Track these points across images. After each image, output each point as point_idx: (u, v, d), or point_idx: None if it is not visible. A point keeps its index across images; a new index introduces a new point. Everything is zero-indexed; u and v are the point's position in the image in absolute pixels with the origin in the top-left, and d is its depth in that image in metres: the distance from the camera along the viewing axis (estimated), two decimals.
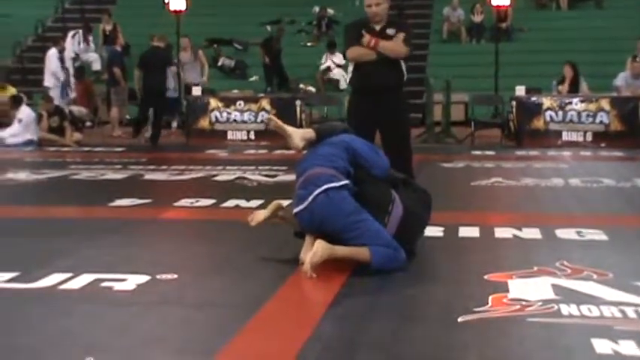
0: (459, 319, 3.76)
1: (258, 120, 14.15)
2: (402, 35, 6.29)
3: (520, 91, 13.73)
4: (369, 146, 5.21)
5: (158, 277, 4.58)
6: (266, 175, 9.30)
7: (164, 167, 10.28)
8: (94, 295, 4.28)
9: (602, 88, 14.42)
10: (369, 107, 6.29)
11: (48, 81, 15.66)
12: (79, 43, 17.94)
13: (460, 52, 18.95)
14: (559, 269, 4.68)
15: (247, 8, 21.17)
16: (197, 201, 7.43)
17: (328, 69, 17.82)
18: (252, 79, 18.38)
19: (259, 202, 7.07)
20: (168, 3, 16.35)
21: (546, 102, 13.38)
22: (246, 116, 14.26)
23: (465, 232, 5.88)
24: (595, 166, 10.55)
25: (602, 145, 12.90)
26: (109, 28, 18.15)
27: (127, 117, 16.47)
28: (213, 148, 13.02)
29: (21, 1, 22.00)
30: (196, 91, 14.80)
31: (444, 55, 18.64)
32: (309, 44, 19.85)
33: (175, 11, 16.06)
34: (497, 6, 16.46)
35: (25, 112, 13.86)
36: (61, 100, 15.13)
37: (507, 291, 4.23)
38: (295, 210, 4.87)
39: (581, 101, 13.27)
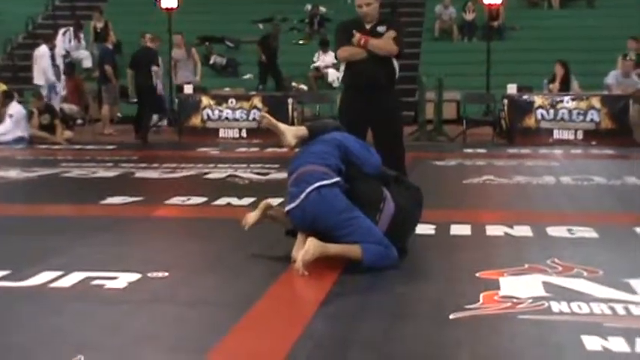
0: (451, 317, 3.76)
1: (250, 118, 14.15)
2: (392, 33, 6.28)
3: (512, 89, 13.77)
4: (361, 144, 5.22)
5: (149, 275, 4.57)
6: (258, 173, 9.29)
7: (155, 165, 10.27)
8: (84, 293, 4.27)
9: (593, 86, 14.46)
10: (361, 105, 6.29)
11: (38, 79, 15.59)
12: (69, 41, 17.89)
13: (452, 51, 18.97)
14: (550, 267, 4.69)
15: (239, 6, 21.14)
16: (188, 199, 7.42)
17: (317, 69, 17.81)
18: (246, 77, 18.36)
19: (251, 199, 7.07)
20: (159, 0, 16.33)
21: (538, 100, 13.42)
22: (237, 114, 14.26)
23: (457, 229, 5.89)
24: (586, 164, 10.59)
25: (593, 143, 12.95)
26: (100, 25, 18.11)
27: (119, 115, 16.44)
28: (205, 146, 13.00)
29: None
30: (188, 89, 14.79)
31: (436, 54, 18.66)
32: (301, 42, 19.83)
33: (167, 9, 16.04)
34: (489, 4, 16.48)
35: (15, 108, 13.82)
36: (52, 98, 15.07)
37: (498, 288, 4.24)
38: (287, 208, 4.87)
39: (572, 99, 13.31)
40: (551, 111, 13.29)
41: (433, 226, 5.85)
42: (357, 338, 3.52)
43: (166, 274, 4.61)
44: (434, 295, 4.21)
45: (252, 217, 5.28)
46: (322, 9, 20.28)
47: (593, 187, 8.34)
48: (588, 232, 5.74)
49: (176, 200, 7.39)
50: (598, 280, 4.38)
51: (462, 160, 10.79)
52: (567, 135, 13.25)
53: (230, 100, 14.38)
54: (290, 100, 14.08)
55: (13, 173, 9.70)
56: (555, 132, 13.30)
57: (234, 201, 7.26)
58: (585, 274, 4.52)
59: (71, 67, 16.96)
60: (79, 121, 15.93)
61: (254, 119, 14.01)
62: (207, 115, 14.34)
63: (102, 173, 9.58)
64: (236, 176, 9.14)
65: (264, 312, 3.97)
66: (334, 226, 4.69)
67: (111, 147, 13.03)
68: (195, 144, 13.28)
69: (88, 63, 18.19)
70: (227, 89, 15.81)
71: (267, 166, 9.89)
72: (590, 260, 4.84)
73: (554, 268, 4.67)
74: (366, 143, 5.49)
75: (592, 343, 3.39)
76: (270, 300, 4.18)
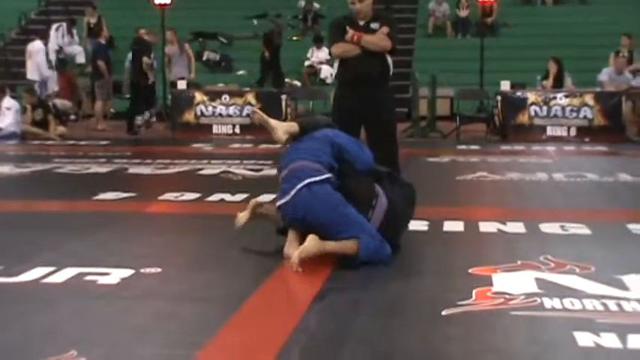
0: (443, 313, 3.77)
1: (244, 114, 14.14)
2: (385, 29, 6.28)
3: (505, 85, 13.77)
4: (353, 141, 5.22)
5: (142, 270, 4.57)
6: (251, 169, 9.29)
7: (149, 161, 10.25)
8: (77, 289, 4.27)
9: (586, 83, 14.48)
10: (355, 101, 6.28)
11: (32, 74, 15.54)
12: (62, 36, 17.84)
13: (446, 47, 18.97)
14: (542, 263, 4.70)
15: (233, 2, 21.12)
16: (182, 195, 7.41)
17: (311, 66, 17.79)
18: (240, 72, 18.33)
19: (244, 195, 7.06)
20: None
21: (531, 97, 13.43)
22: (231, 110, 14.25)
23: (450, 226, 5.89)
24: (579, 160, 10.60)
25: (586, 139, 12.96)
26: (93, 21, 18.06)
27: (112, 110, 16.40)
28: (199, 142, 12.99)
29: None
30: (181, 84, 14.76)
31: (430, 50, 18.65)
32: (294, 38, 19.80)
33: (160, 4, 16.00)
34: (483, 1, 16.49)
35: (11, 101, 13.78)
36: (43, 93, 15.03)
37: (491, 285, 4.25)
38: (279, 203, 4.88)
39: (566, 96, 13.32)
40: (545, 108, 13.30)
41: (426, 223, 5.86)
42: (349, 334, 3.53)
43: (159, 269, 4.61)
44: (427, 291, 4.22)
45: (242, 217, 5.30)
46: (316, 5, 20.24)
47: (586, 183, 8.35)
48: (581, 229, 5.75)
49: (169, 196, 7.38)
50: (590, 277, 4.39)
51: (456, 157, 10.80)
52: (560, 132, 13.26)
53: (223, 96, 14.36)
54: (283, 97, 14.07)
55: (6, 169, 9.68)
56: (548, 129, 13.30)
57: (228, 197, 7.25)
58: (578, 270, 4.54)
59: (62, 62, 16.90)
60: (72, 117, 15.90)
61: (247, 115, 14.00)
62: (201, 111, 14.32)
63: (95, 169, 9.56)
64: (229, 172, 9.13)
65: (257, 308, 3.97)
66: (327, 222, 4.69)
67: (104, 142, 13.01)
68: (189, 140, 13.27)
69: (81, 58, 18.16)
70: (221, 85, 15.78)
71: (261, 162, 9.89)
72: (583, 257, 4.85)
73: (546, 264, 4.68)
74: (358, 140, 5.49)
75: (584, 339, 3.40)
76: (263, 296, 4.18)
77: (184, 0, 18.64)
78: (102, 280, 4.40)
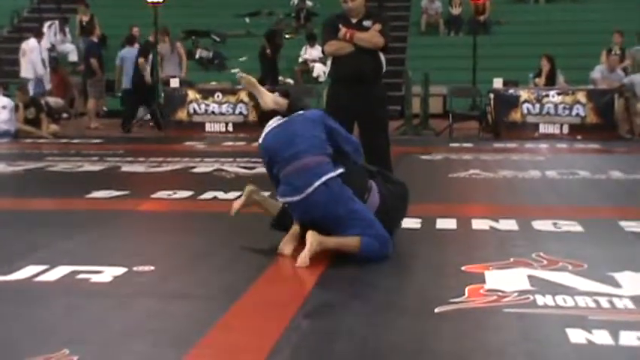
0: (436, 310, 3.78)
1: (237, 112, 14.13)
2: (377, 26, 6.29)
3: (498, 83, 13.78)
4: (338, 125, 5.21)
5: (135, 269, 4.57)
6: (244, 167, 9.27)
7: (142, 159, 10.22)
8: (70, 287, 4.26)
9: (579, 81, 14.50)
10: (348, 98, 6.29)
11: (26, 72, 15.49)
12: (54, 34, 17.79)
13: (438, 45, 18.95)
14: (535, 260, 4.71)
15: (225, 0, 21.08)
16: (175, 193, 7.41)
17: (305, 62, 17.77)
18: (234, 70, 18.30)
19: (237, 193, 7.03)
20: None
21: (523, 94, 13.45)
22: (224, 108, 14.23)
23: (443, 223, 5.90)
24: (571, 158, 10.62)
25: (579, 137, 12.98)
26: (85, 19, 18.00)
27: (105, 108, 16.37)
28: (191, 140, 12.97)
29: None
30: (174, 82, 14.74)
31: (423, 48, 18.64)
32: (287, 36, 19.77)
33: (153, 3, 15.96)
34: None
35: (4, 99, 13.73)
36: (34, 92, 14.98)
37: (484, 282, 4.25)
38: (290, 199, 4.81)
39: (558, 94, 13.34)
40: (537, 105, 13.32)
41: (419, 220, 5.86)
42: (342, 332, 3.53)
43: (152, 268, 4.61)
44: (419, 289, 4.23)
45: (237, 202, 5.30)
46: (309, 3, 20.20)
47: (579, 181, 8.36)
48: (573, 226, 5.76)
49: (162, 194, 7.37)
50: (583, 274, 4.40)
51: (448, 155, 10.80)
52: (553, 129, 13.28)
53: (216, 94, 14.34)
54: (276, 94, 14.02)
55: None
56: (541, 126, 13.33)
57: (221, 195, 7.25)
58: (570, 267, 4.55)
59: (55, 60, 16.85)
60: (65, 115, 15.85)
61: (240, 113, 13.98)
62: (194, 109, 14.30)
63: (88, 167, 9.54)
64: (222, 170, 9.13)
65: (249, 306, 3.97)
66: (337, 219, 4.69)
67: (97, 141, 12.98)
68: (182, 138, 13.25)
69: (73, 57, 18.10)
70: (213, 83, 15.74)
71: (254, 160, 9.83)
72: (575, 254, 4.86)
73: (539, 261, 4.69)
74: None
75: (576, 335, 3.41)
76: (256, 294, 4.18)
77: None
78: (94, 278, 4.40)
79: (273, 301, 4.11)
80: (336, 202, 4.70)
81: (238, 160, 9.99)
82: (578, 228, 5.72)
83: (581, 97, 13.22)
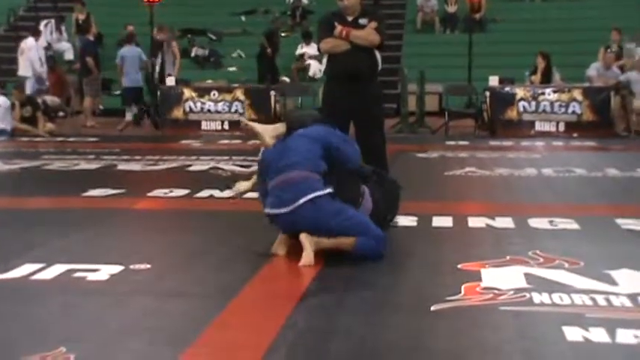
0: (432, 308, 3.77)
1: (232, 110, 14.09)
2: (373, 24, 6.29)
3: (493, 81, 13.78)
4: (342, 137, 5.19)
5: (131, 267, 4.56)
6: (240, 166, 9.25)
7: (138, 157, 10.21)
8: (66, 285, 4.25)
9: (574, 78, 14.50)
10: (344, 95, 6.27)
11: (24, 70, 15.46)
12: (51, 33, 17.76)
13: (434, 43, 18.95)
14: (531, 258, 4.71)
15: None
16: (171, 191, 7.39)
17: (302, 56, 17.74)
18: (231, 69, 18.28)
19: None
20: None
21: (519, 92, 13.45)
22: (220, 106, 14.20)
23: (439, 221, 5.89)
24: (567, 155, 10.63)
25: (575, 135, 12.98)
26: (82, 17, 17.93)
27: (101, 107, 16.34)
28: (187, 139, 12.94)
29: None
30: (170, 81, 14.71)
31: (418, 46, 18.63)
32: (283, 34, 19.76)
33: (149, 1, 15.94)
34: None
35: (0, 98, 13.70)
36: (34, 90, 14.97)
37: (480, 280, 4.25)
38: (272, 211, 4.82)
39: (554, 91, 13.35)
40: (533, 103, 13.32)
41: (415, 218, 5.86)
42: (338, 330, 3.52)
43: (148, 266, 4.60)
44: (415, 287, 4.22)
45: (244, 185, 5.32)
46: (304, 1, 20.21)
47: (575, 178, 8.36)
48: (570, 224, 5.76)
49: (158, 192, 7.36)
50: (579, 272, 4.40)
51: (444, 152, 10.80)
52: (549, 127, 13.28)
53: (212, 93, 14.32)
54: (272, 93, 14.03)
55: None
56: (537, 124, 13.31)
57: (217, 193, 7.22)
58: (567, 265, 4.55)
59: (52, 59, 16.82)
60: (61, 114, 15.80)
61: (236, 111, 13.96)
62: (190, 108, 14.27)
63: (84, 165, 9.52)
64: (218, 168, 9.12)
65: (246, 304, 3.97)
66: (331, 229, 4.68)
67: (93, 139, 12.95)
68: (178, 136, 13.23)
69: (69, 55, 18.06)
70: (209, 81, 15.72)
71: (250, 158, 9.81)
72: (572, 252, 4.86)
73: (535, 259, 4.69)
74: (346, 136, 5.45)
75: (573, 333, 3.41)
76: (252, 292, 4.17)
77: None
78: (91, 276, 4.39)
79: (269, 299, 4.11)
80: (325, 216, 4.68)
81: (234, 158, 9.97)
82: (575, 226, 5.72)
83: (577, 94, 13.23)
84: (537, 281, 4.21)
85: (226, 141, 12.69)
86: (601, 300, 3.88)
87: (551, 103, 13.26)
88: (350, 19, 6.34)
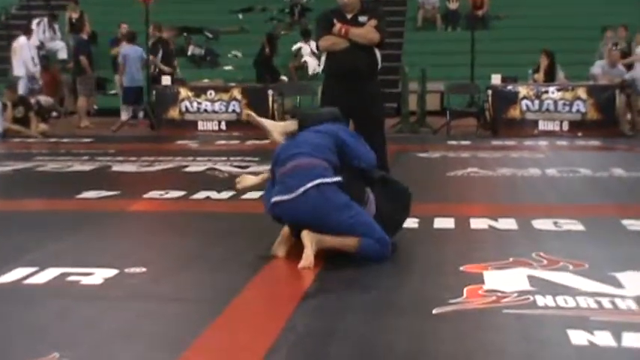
0: (434, 311, 3.72)
1: (230, 110, 14.01)
2: (373, 22, 6.22)
3: (496, 79, 13.71)
4: (356, 136, 5.13)
5: (126, 270, 4.51)
6: (237, 166, 9.20)
7: (133, 158, 10.13)
8: (60, 289, 4.20)
9: (579, 76, 14.42)
10: (343, 94, 6.20)
11: (18, 70, 15.40)
12: (43, 32, 17.70)
13: (435, 40, 18.87)
14: (535, 260, 4.65)
15: None
16: (167, 192, 7.33)
17: (299, 51, 17.67)
18: (227, 68, 18.24)
19: (230, 193, 6.99)
20: None
21: (522, 91, 13.37)
22: (217, 106, 14.10)
23: (441, 223, 5.83)
24: (572, 155, 10.57)
25: (579, 134, 12.88)
26: (75, 16, 17.85)
27: (95, 107, 16.27)
28: (184, 139, 12.86)
29: None
30: (166, 80, 14.64)
31: (419, 43, 18.57)
32: (282, 32, 19.70)
33: None
34: None
35: None
36: (27, 90, 14.90)
37: (483, 282, 4.20)
38: (278, 198, 4.72)
39: (558, 90, 13.26)
40: (536, 102, 13.22)
41: (416, 220, 5.78)
42: (338, 333, 3.48)
43: (144, 269, 4.55)
44: (417, 289, 4.18)
45: (248, 179, 5.28)
46: None
47: (579, 179, 8.30)
48: (574, 225, 5.70)
49: (154, 194, 7.30)
50: (584, 274, 4.34)
51: (446, 152, 10.75)
52: (553, 126, 13.18)
53: (209, 92, 14.23)
54: (270, 92, 13.93)
55: None
56: (540, 123, 13.22)
57: (214, 195, 7.17)
58: (571, 267, 4.49)
59: (45, 58, 16.75)
60: (54, 114, 15.69)
61: (233, 111, 13.89)
62: (186, 107, 14.18)
63: (78, 167, 9.45)
64: (215, 169, 9.06)
65: (244, 307, 3.93)
66: (334, 226, 4.61)
67: (87, 140, 12.86)
68: (174, 136, 13.15)
69: (63, 54, 17.94)
70: (206, 81, 15.66)
71: (248, 159, 9.82)
72: (576, 253, 4.80)
73: (539, 261, 4.63)
74: (361, 138, 5.36)
75: (578, 337, 3.36)
76: (251, 295, 4.13)
77: None
78: (85, 280, 4.33)
79: (268, 301, 4.07)
80: (329, 206, 4.60)
81: (231, 159, 9.92)
82: (580, 227, 5.66)
83: (582, 93, 13.13)
84: (541, 283, 4.15)
85: (223, 141, 12.62)
86: (606, 303, 3.82)
87: (555, 102, 13.17)
88: (349, 16, 6.28)
